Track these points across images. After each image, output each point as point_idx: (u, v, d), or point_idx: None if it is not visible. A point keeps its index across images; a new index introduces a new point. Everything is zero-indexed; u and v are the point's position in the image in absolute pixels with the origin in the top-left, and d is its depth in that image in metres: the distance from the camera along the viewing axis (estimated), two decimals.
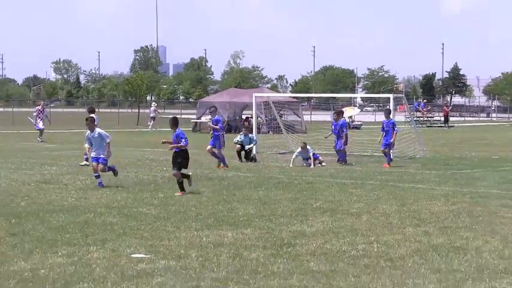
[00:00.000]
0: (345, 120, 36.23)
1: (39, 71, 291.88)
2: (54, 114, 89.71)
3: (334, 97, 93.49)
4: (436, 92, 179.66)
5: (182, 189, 23.60)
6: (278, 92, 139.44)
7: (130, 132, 67.17)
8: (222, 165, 33.17)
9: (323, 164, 34.81)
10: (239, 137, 39.17)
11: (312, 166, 34.04)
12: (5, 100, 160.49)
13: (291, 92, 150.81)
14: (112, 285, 11.85)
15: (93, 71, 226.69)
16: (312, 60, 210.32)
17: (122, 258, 13.97)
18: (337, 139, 36.19)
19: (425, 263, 13.71)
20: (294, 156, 34.83)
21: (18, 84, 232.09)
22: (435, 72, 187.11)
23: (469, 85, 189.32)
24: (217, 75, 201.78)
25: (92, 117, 28.65)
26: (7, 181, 26.96)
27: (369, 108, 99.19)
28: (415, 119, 58.79)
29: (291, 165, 33.76)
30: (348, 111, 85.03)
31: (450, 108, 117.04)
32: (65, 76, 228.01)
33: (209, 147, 33.78)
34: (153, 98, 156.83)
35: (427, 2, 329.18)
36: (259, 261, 13.70)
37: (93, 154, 26.43)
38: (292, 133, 51.66)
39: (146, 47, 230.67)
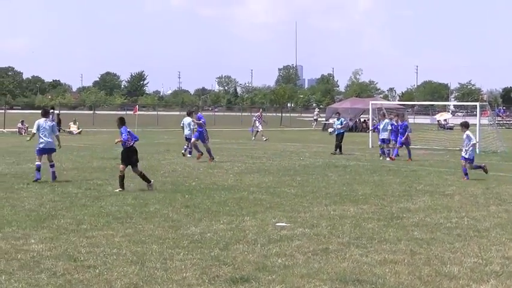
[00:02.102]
0: (406, 122, 34.47)
1: (207, 83, 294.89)
2: (217, 117, 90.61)
3: (432, 104, 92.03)
4: None
5: (122, 186, 19.56)
6: (388, 100, 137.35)
7: (275, 131, 67.21)
8: (209, 157, 29.90)
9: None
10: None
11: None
12: (180, 106, 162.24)
13: (399, 100, 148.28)
14: (261, 246, 11.98)
15: (247, 84, 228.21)
16: (415, 76, 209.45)
17: (269, 226, 14.11)
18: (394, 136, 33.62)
19: (506, 234, 13.49)
20: None
21: (190, 94, 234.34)
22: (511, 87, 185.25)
23: None
24: (342, 87, 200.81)
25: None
26: (182, 166, 27.39)
27: (459, 114, 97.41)
28: (496, 122, 57.52)
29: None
30: (444, 115, 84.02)
31: None
32: (226, 88, 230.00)
33: (193, 139, 31.15)
34: (314, 105, 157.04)
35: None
36: (374, 230, 13.69)
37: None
38: None
39: (288, 65, 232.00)
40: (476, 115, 42.44)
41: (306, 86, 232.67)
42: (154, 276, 9.85)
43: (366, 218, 15.23)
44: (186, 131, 33.09)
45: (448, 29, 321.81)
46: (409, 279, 9.82)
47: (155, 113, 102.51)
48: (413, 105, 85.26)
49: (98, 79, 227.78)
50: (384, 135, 33.00)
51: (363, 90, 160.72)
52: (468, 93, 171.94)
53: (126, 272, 10.00)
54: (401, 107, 74.83)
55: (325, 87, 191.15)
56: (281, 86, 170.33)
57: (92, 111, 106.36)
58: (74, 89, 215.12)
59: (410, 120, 73.05)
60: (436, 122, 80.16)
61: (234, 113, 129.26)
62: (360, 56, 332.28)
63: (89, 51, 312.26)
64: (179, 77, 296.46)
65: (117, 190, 19.34)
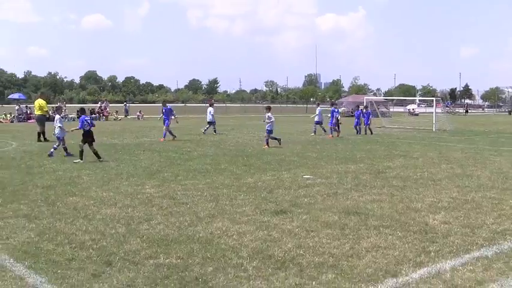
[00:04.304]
0: (336, 108, 31.01)
1: (258, 85, 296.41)
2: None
3: (405, 99, 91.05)
4: (457, 97, 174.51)
5: (81, 157, 17.14)
6: (376, 96, 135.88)
7: (303, 116, 66.79)
8: (172, 137, 26.47)
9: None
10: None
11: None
12: (240, 101, 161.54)
13: (384, 96, 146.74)
14: (294, 191, 11.94)
15: (284, 86, 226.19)
16: (394, 80, 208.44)
17: (299, 177, 14.05)
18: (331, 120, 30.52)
19: (451, 182, 13.29)
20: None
21: (247, 92, 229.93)
22: (456, 88, 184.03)
23: (473, 93, 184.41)
24: (346, 88, 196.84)
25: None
26: (242, 139, 27.43)
27: (422, 105, 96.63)
28: (446, 111, 56.93)
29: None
30: (412, 106, 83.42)
31: (467, 105, 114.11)
32: (270, 88, 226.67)
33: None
34: (328, 99, 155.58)
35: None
36: (367, 180, 13.58)
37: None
38: (384, 117, 51.08)
39: (310, 74, 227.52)
40: (433, 106, 42.41)
41: (323, 87, 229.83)
42: (225, 209, 9.92)
43: (361, 172, 15.11)
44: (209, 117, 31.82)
45: (415, 46, 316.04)
46: (389, 211, 9.78)
47: (224, 105, 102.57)
48: (392, 99, 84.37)
49: (187, 83, 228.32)
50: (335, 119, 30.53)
51: (360, 89, 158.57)
52: (428, 92, 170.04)
53: (207, 207, 10.08)
54: (385, 100, 74.28)
55: (335, 88, 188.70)
56: (307, 87, 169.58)
57: (183, 104, 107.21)
58: (172, 90, 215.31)
59: (391, 109, 72.50)
60: (407, 111, 79.69)
61: (275, 105, 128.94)
62: (357, 67, 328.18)
63: (181, 65, 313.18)
64: (240, 82, 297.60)
65: (77, 161, 16.96)
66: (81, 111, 18.82)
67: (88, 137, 17.60)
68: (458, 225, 8.77)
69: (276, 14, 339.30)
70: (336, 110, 31.03)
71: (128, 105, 67.18)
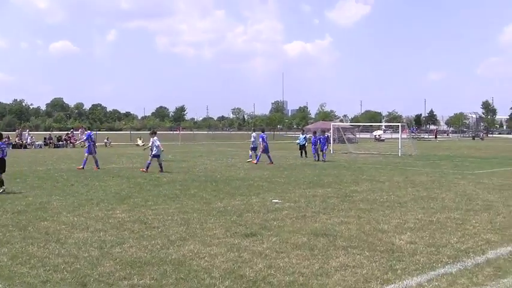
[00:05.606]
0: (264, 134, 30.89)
1: (225, 112, 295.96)
2: (231, 135, 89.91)
3: (371, 125, 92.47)
4: (422, 123, 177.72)
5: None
6: (343, 122, 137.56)
7: (270, 143, 67.16)
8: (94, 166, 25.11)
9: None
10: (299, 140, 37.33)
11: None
12: (207, 128, 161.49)
13: (350, 122, 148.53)
14: (263, 214, 12.14)
15: (251, 113, 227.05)
16: (360, 106, 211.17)
17: (267, 201, 14.27)
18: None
19: (417, 205, 13.70)
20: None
21: (214, 119, 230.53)
22: (421, 114, 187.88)
23: (438, 119, 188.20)
24: (313, 114, 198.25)
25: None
26: (210, 166, 27.54)
27: (388, 131, 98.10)
28: (411, 136, 57.91)
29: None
30: (378, 132, 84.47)
31: (436, 131, 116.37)
32: (237, 115, 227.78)
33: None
34: (295, 127, 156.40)
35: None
36: (334, 204, 13.87)
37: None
38: (350, 143, 51.79)
39: (277, 100, 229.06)
40: (399, 132, 43.12)
41: (290, 114, 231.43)
42: (196, 232, 10.05)
43: (329, 196, 15.40)
44: None
45: (381, 74, 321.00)
46: (357, 233, 10.03)
47: (192, 132, 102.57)
48: (359, 125, 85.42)
49: (154, 110, 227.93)
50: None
51: (326, 116, 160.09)
52: (394, 118, 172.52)
53: (178, 230, 10.20)
54: (351, 126, 75.15)
55: (302, 115, 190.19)
56: (274, 114, 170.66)
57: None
58: (139, 117, 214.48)
59: (358, 135, 73.35)
60: (374, 137, 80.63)
61: (242, 132, 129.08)
62: (324, 93, 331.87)
63: (148, 92, 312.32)
64: (207, 109, 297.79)
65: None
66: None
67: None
68: (423, 245, 9.07)
69: (244, 40, 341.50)
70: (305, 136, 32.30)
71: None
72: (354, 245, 9.03)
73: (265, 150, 29.96)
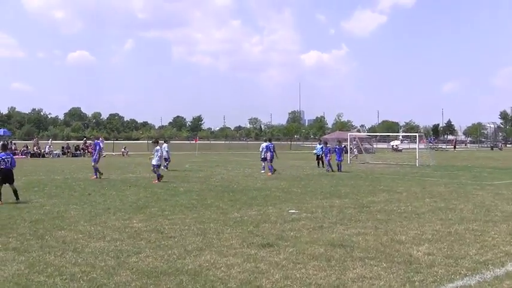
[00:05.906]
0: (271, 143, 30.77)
1: (242, 122, 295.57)
2: (249, 145, 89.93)
3: (388, 135, 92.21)
4: (439, 133, 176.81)
5: None
6: (359, 132, 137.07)
7: (287, 153, 67.09)
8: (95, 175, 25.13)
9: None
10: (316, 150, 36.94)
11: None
12: (225, 138, 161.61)
13: (367, 133, 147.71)
14: (279, 225, 12.10)
15: (268, 123, 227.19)
16: (377, 117, 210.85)
17: (284, 211, 14.24)
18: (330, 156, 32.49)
19: (435, 215, 13.56)
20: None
21: (231, 129, 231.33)
22: (438, 124, 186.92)
23: (456, 129, 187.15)
24: (330, 125, 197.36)
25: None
26: (227, 175, 27.56)
27: (405, 141, 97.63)
28: (429, 146, 57.65)
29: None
30: (395, 142, 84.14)
31: (455, 141, 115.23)
32: (254, 125, 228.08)
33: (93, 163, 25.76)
34: (312, 137, 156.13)
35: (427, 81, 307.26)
36: (352, 214, 13.79)
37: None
38: (367, 153, 51.65)
39: (294, 110, 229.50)
40: (416, 142, 42.95)
41: (306, 124, 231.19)
42: (213, 242, 10.04)
43: (346, 207, 15.32)
44: None
45: (398, 84, 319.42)
46: (374, 244, 9.96)
47: (209, 142, 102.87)
48: (376, 136, 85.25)
49: (171, 120, 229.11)
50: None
51: (343, 126, 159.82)
52: (411, 128, 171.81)
53: (194, 240, 10.19)
54: (368, 137, 74.98)
55: (319, 125, 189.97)
56: (291, 124, 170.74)
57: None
58: (156, 127, 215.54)
59: (375, 146, 73.07)
60: (391, 147, 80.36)
61: (259, 142, 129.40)
62: (341, 103, 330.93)
63: (165, 101, 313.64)
64: (224, 119, 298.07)
65: None
66: (2, 146, 16.24)
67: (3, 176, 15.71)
68: (441, 256, 8.97)
69: (260, 50, 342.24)
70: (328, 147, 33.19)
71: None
72: (371, 256, 8.96)
73: (269, 159, 29.76)
